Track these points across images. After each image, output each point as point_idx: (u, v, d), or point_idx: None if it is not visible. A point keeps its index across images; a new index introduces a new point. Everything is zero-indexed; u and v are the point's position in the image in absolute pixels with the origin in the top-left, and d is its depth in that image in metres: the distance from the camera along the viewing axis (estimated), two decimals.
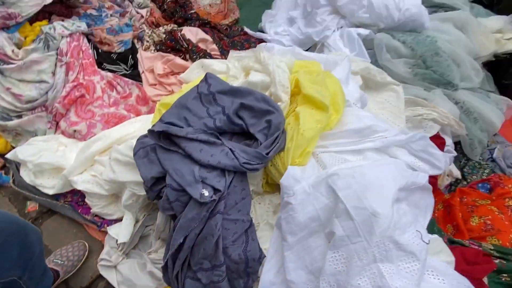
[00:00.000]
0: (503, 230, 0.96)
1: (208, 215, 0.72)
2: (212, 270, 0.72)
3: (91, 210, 1.08)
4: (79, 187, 1.00)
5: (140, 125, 1.12)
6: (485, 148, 1.30)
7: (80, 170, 1.04)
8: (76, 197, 1.15)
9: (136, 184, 0.88)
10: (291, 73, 0.95)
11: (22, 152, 1.08)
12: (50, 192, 1.08)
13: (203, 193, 0.71)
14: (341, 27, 1.41)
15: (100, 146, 1.04)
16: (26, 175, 1.11)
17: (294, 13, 1.57)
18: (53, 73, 1.27)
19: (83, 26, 1.37)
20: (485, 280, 0.81)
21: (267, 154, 0.74)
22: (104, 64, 1.36)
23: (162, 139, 0.78)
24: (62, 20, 1.36)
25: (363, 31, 1.34)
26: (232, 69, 1.07)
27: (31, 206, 1.15)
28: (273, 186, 0.88)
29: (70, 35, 1.31)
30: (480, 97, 1.31)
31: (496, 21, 1.50)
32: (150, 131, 0.78)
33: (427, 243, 0.58)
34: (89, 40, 1.41)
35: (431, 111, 1.08)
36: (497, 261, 0.87)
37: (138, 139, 0.83)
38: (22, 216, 1.13)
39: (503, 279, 0.86)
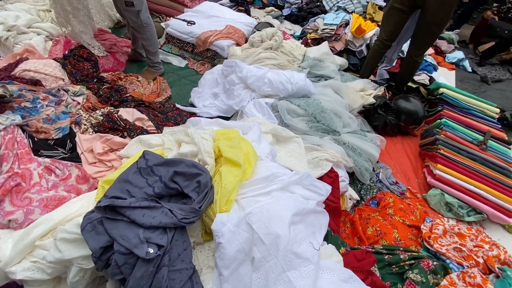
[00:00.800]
0: (387, 233, 1.29)
1: (155, 270, 0.85)
2: None
3: None
4: (19, 276, 0.99)
5: (83, 203, 1.20)
6: (372, 173, 1.73)
7: (19, 259, 1.04)
8: None
9: (83, 259, 0.95)
10: (214, 141, 1.22)
11: None
12: None
13: (149, 251, 0.85)
14: (253, 98, 1.82)
15: (41, 231, 1.07)
16: None
17: (217, 89, 1.96)
18: None
19: (17, 118, 1.46)
20: (378, 273, 1.09)
21: (200, 207, 0.94)
22: (41, 151, 1.44)
23: (108, 211, 0.91)
24: None
25: (269, 100, 1.76)
26: (167, 142, 1.30)
27: None
28: (211, 235, 1.05)
29: (4, 128, 1.39)
30: (359, 137, 1.79)
31: (359, 83, 2.13)
32: (96, 207, 0.91)
33: (318, 250, 0.83)
34: (24, 130, 1.48)
35: (323, 153, 1.46)
36: (386, 257, 1.17)
37: (84, 216, 0.93)
38: None
39: (393, 270, 1.15)
